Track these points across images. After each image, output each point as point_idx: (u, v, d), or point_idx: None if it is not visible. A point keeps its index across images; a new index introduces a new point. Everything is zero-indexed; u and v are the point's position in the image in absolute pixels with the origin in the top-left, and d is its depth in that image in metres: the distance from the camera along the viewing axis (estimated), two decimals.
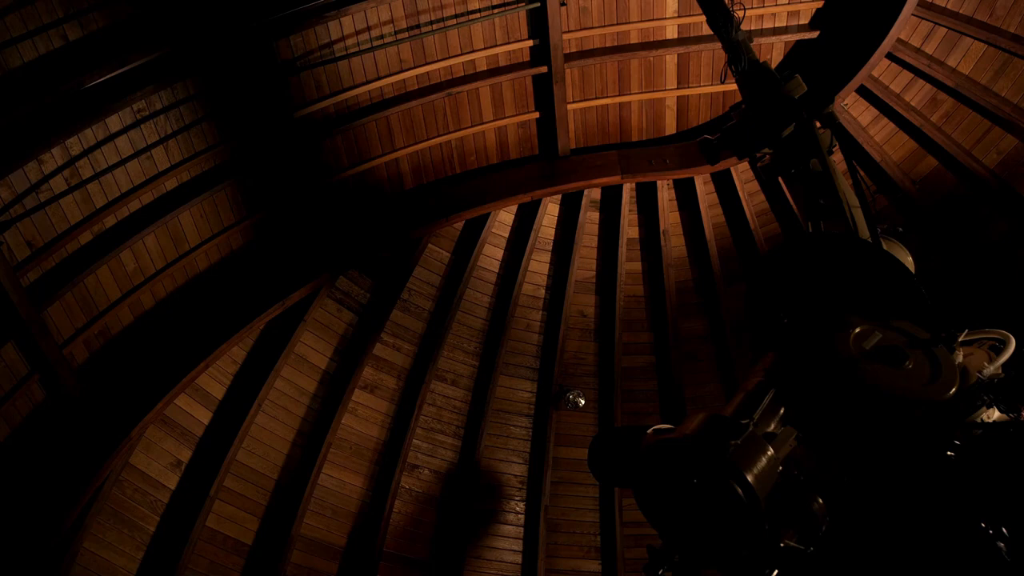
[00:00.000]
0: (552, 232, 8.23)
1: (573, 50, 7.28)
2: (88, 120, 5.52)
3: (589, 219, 8.16)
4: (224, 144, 6.39)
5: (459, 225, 7.94)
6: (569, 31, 7.09)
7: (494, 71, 7.23)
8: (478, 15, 6.79)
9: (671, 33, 7.31)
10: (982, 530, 1.62)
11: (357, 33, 6.51)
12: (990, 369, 2.18)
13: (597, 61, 7.33)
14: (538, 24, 6.98)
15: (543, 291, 8.23)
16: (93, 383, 6.23)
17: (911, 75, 7.12)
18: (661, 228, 8.03)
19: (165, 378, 6.39)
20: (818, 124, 3.16)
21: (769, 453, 1.78)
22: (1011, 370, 2.24)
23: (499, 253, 8.14)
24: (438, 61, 6.93)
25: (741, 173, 7.83)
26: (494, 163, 7.81)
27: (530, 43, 7.11)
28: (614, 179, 7.72)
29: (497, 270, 8.14)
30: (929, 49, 6.93)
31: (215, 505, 6.70)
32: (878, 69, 7.13)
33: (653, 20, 7.18)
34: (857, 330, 2.11)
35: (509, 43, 7.07)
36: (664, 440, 1.82)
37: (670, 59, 7.43)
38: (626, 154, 7.76)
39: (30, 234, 5.53)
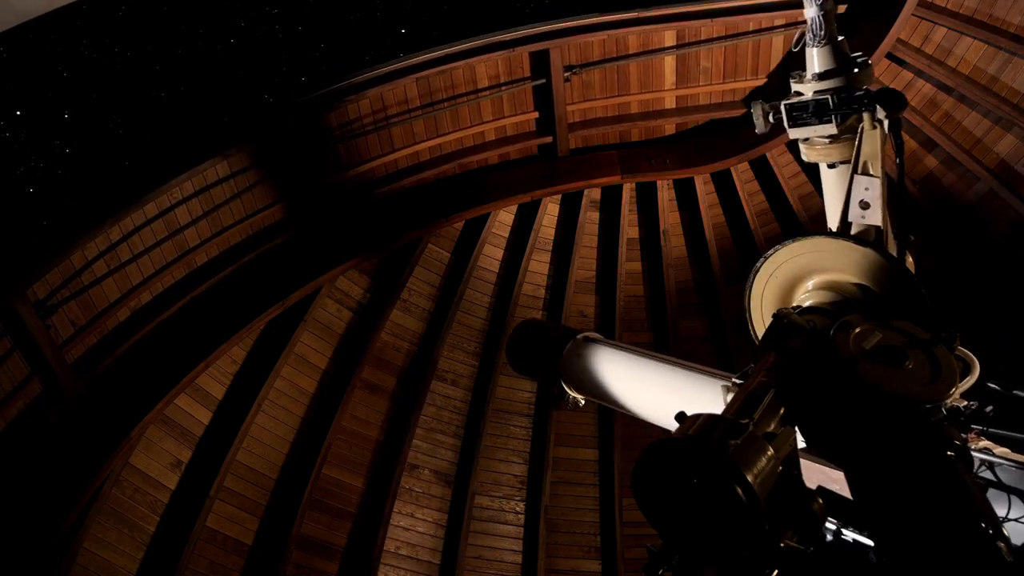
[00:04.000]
0: (552, 232, 8.23)
1: (576, 120, 7.55)
2: (126, 209, 5.97)
3: (589, 219, 8.16)
4: (246, 221, 6.77)
5: (459, 225, 7.94)
6: (573, 103, 7.37)
7: (502, 140, 7.59)
8: (488, 93, 7.16)
9: (669, 103, 7.62)
10: (982, 530, 1.62)
11: (374, 112, 6.89)
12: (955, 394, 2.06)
13: (600, 131, 7.62)
14: (543, 97, 7.31)
15: (543, 291, 8.23)
16: (93, 383, 6.23)
17: (911, 75, 7.13)
18: (661, 228, 8.03)
19: (165, 378, 6.39)
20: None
21: (769, 453, 1.78)
22: (970, 395, 2.15)
23: (499, 253, 8.15)
24: (449, 133, 7.31)
25: (741, 173, 7.84)
26: (494, 163, 7.82)
27: (535, 115, 7.44)
28: (614, 179, 7.73)
29: (497, 270, 8.14)
30: (929, 49, 6.93)
31: (215, 505, 6.70)
32: (878, 69, 7.13)
33: (652, 92, 7.50)
34: (857, 330, 2.11)
35: (516, 115, 7.42)
36: (664, 440, 1.82)
37: (668, 128, 7.75)
38: (626, 154, 7.77)
39: (73, 314, 5.92)
